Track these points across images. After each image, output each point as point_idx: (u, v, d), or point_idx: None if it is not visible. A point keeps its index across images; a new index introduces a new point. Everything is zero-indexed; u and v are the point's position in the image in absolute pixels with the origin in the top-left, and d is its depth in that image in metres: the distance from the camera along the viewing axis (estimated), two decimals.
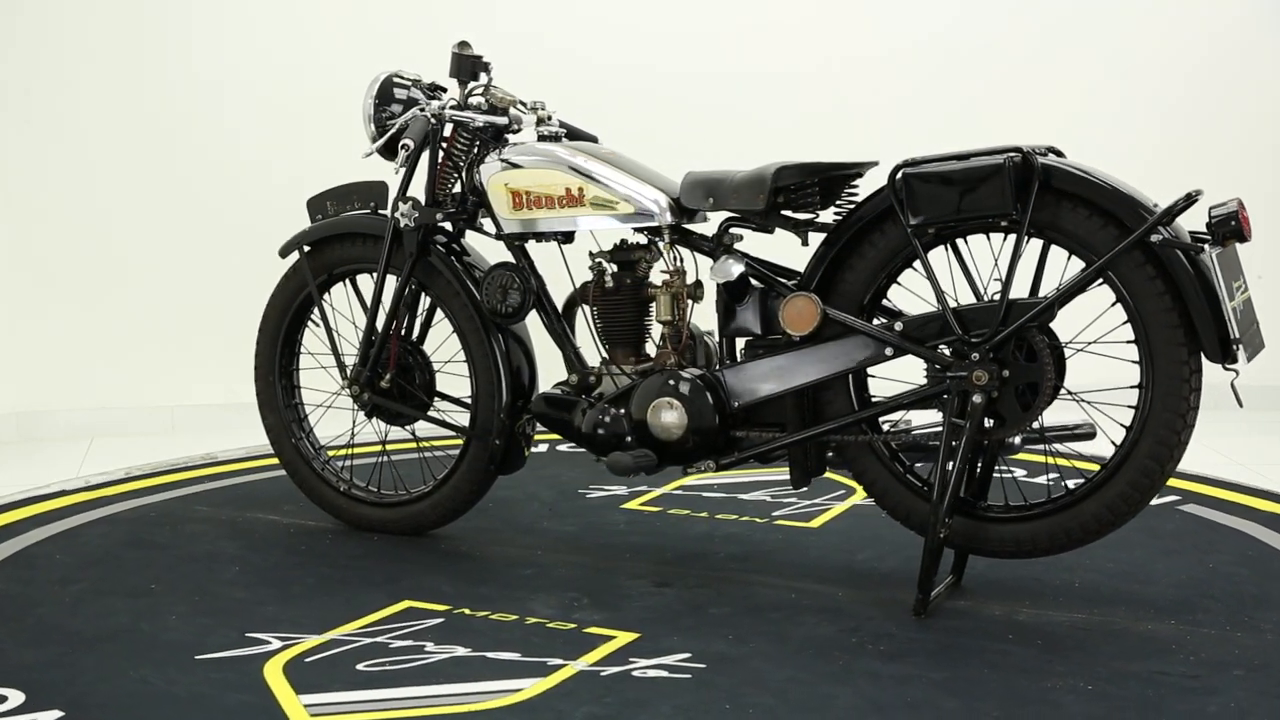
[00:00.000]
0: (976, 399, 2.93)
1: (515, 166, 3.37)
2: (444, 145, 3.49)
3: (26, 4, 4.94)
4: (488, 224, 3.56)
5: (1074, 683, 2.62)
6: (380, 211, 3.65)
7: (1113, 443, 2.99)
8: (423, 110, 3.40)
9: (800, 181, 3.08)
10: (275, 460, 4.52)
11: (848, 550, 3.52)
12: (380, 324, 3.60)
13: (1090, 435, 3.06)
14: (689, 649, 2.82)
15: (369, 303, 3.61)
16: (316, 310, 3.71)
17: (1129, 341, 2.92)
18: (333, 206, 3.70)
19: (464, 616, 3.04)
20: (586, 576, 3.32)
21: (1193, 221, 2.83)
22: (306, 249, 3.70)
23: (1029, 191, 2.85)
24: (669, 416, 3.20)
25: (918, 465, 3.17)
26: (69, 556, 3.53)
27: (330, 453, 3.86)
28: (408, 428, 3.74)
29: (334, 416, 3.94)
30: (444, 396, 3.71)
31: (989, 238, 3.03)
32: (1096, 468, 3.03)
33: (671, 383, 3.21)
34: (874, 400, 3.16)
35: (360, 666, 2.75)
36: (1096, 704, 2.52)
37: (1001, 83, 4.93)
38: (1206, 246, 2.74)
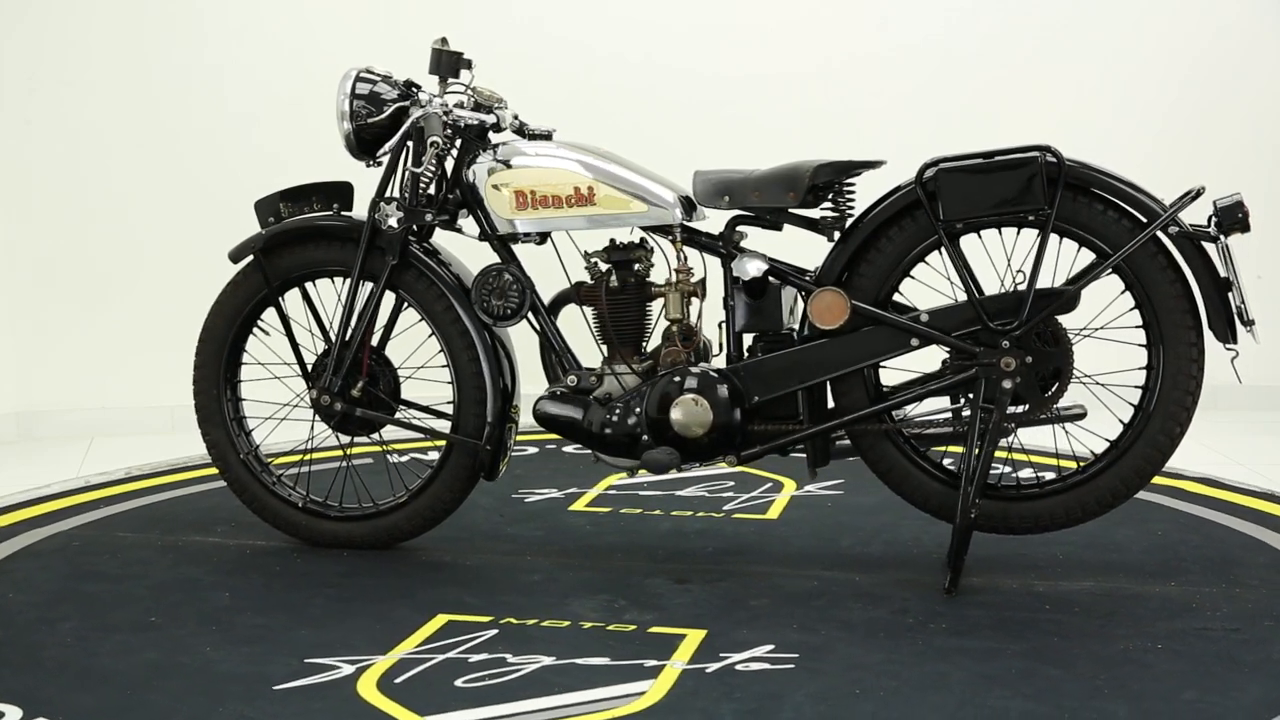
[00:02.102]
0: (1007, 384, 3.09)
1: (510, 166, 3.30)
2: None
3: (31, 4, 4.91)
4: (465, 224, 3.47)
5: (1141, 643, 2.82)
6: (344, 213, 3.49)
7: (1120, 421, 3.22)
8: (425, 106, 3.29)
9: (830, 180, 3.17)
10: (175, 477, 4.29)
11: (826, 539, 3.62)
12: (348, 330, 3.46)
13: (1081, 415, 3.27)
14: (767, 641, 2.86)
15: (341, 307, 3.45)
16: (278, 317, 3.51)
17: (1136, 326, 3.15)
18: (287, 209, 3.51)
19: (516, 626, 2.97)
20: (601, 579, 3.29)
21: (1188, 215, 3.09)
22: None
23: (1056, 188, 3.03)
24: (695, 413, 3.22)
25: (927, 450, 3.31)
26: (22, 595, 3.22)
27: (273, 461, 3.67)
28: (373, 437, 3.60)
29: (258, 428, 3.73)
30: (409, 404, 3.58)
31: (1000, 232, 3.20)
32: (1071, 464, 3.26)
33: (695, 380, 3.23)
34: (897, 388, 3.28)
35: (459, 683, 2.65)
36: (1179, 661, 2.72)
37: (1001, 82, 5.04)
38: (1221, 236, 3.00)
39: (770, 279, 3.24)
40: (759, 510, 3.91)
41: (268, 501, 3.59)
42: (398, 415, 3.53)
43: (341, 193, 3.50)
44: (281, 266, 3.51)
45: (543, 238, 3.43)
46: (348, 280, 3.49)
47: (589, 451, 3.42)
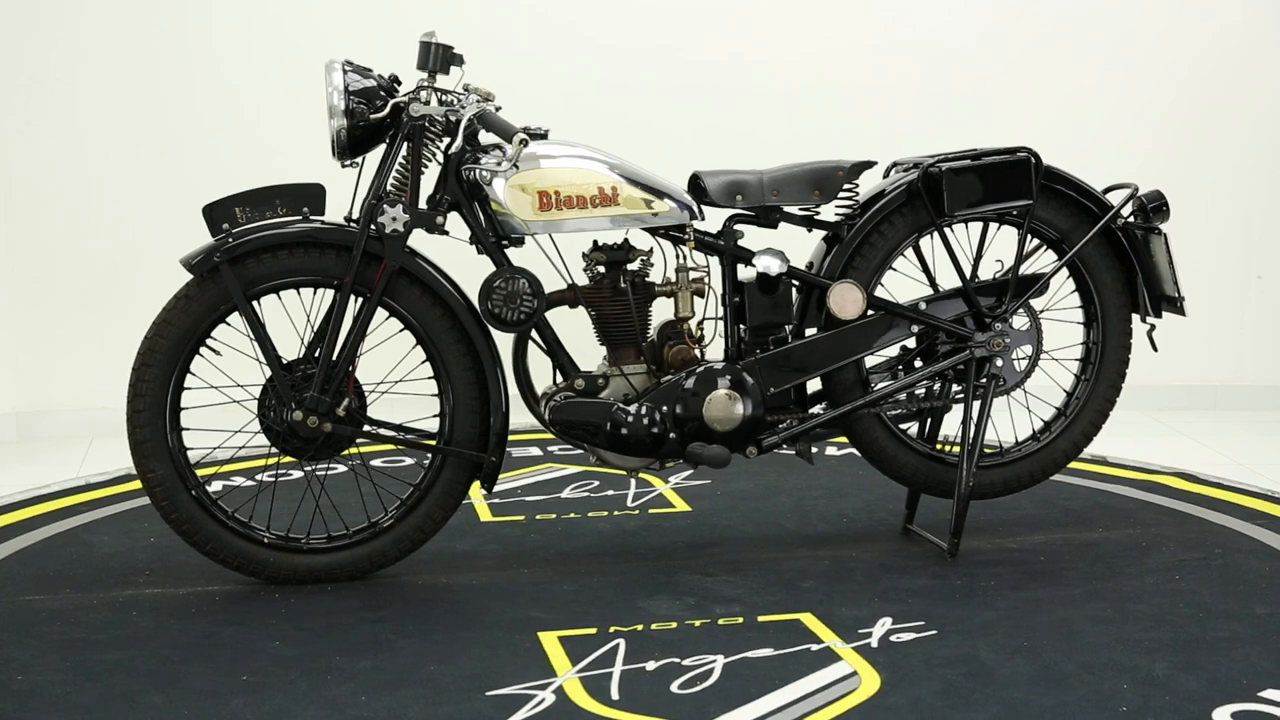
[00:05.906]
0: (999, 362, 3.43)
1: (520, 166, 3.18)
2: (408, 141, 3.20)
3: (32, 4, 4.82)
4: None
5: (1163, 576, 3.25)
6: (313, 217, 3.21)
7: (1064, 390, 3.65)
8: (468, 102, 3.11)
9: (851, 179, 3.35)
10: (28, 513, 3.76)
11: (767, 524, 3.75)
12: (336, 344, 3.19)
13: (1008, 391, 3.66)
14: (874, 615, 3.01)
15: (331, 320, 3.18)
16: (252, 332, 3.16)
17: (1077, 307, 3.59)
18: (245, 214, 3.16)
19: (629, 633, 2.91)
20: (631, 581, 3.26)
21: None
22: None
23: (1035, 185, 3.41)
24: (728, 408, 3.27)
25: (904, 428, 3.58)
26: (37, 675, 2.69)
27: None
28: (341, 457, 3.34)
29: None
30: (377, 421, 3.34)
31: (967, 226, 3.53)
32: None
33: (726, 376, 3.29)
34: (904, 373, 3.50)
35: (675, 689, 2.60)
36: (1209, 585, 3.18)
37: (999, 79, 5.03)
38: (1160, 226, 3.50)
39: (781, 275, 3.37)
40: (664, 504, 3.97)
41: (225, 540, 3.22)
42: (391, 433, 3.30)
43: (311, 195, 3.20)
44: (246, 277, 3.16)
45: (520, 239, 3.34)
46: (320, 290, 3.24)
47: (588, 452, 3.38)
